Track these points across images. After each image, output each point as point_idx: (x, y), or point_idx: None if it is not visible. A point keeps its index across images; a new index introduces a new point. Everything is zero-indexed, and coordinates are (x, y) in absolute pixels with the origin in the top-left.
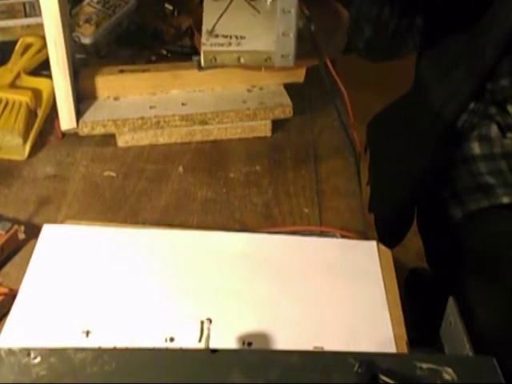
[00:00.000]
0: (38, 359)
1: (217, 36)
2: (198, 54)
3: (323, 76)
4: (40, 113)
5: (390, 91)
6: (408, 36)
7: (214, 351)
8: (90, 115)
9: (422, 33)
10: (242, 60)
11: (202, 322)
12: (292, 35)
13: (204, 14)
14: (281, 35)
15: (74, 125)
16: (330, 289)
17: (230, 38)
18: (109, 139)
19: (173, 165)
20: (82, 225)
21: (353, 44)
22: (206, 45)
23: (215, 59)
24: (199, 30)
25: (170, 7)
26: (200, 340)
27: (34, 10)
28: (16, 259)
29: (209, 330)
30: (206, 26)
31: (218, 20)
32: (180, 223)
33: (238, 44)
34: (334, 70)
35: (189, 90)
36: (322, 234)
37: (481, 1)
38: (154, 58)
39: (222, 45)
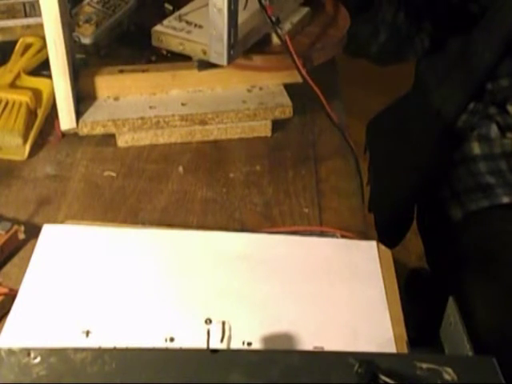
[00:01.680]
0: (38, 359)
1: (180, 21)
2: None
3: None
4: (40, 113)
5: (390, 91)
6: (417, 40)
7: (214, 351)
8: (89, 115)
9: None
10: (182, 47)
11: (224, 323)
12: (223, 34)
13: (192, 2)
14: (213, 32)
15: (74, 125)
16: (330, 289)
17: (190, 25)
18: (109, 139)
19: (173, 165)
20: (82, 225)
21: (366, 48)
22: (163, 25)
23: (161, 40)
24: None
25: (170, 7)
26: (222, 341)
27: (34, 9)
28: (16, 259)
29: (230, 330)
30: (182, 10)
31: (200, 8)
32: (180, 223)
33: (188, 32)
34: (335, 69)
35: (189, 90)
36: (322, 234)
37: (482, 6)
38: (153, 58)
39: (174, 29)
